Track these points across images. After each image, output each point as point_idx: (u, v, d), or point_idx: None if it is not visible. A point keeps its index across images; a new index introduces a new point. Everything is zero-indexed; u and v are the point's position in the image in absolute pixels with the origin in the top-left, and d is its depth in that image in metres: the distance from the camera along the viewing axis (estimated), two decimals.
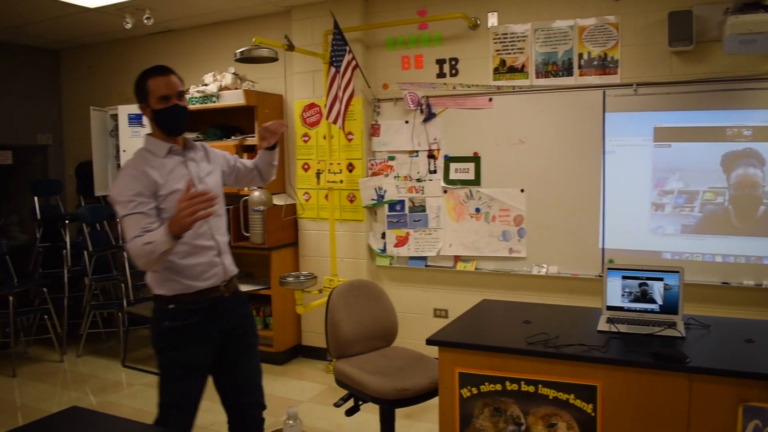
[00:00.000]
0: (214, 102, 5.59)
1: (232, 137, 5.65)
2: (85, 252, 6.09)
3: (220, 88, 5.60)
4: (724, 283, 4.27)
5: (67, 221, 6.36)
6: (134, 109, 6.20)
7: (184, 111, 2.61)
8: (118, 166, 6.49)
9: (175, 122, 2.59)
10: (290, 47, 4.82)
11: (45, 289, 5.93)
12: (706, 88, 4.24)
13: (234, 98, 5.47)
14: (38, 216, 6.44)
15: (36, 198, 6.48)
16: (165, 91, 2.53)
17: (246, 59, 4.58)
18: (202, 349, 2.64)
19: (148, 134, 2.65)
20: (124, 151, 6.26)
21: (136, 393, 4.89)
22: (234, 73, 5.66)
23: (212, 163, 2.80)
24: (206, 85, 5.70)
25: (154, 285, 2.62)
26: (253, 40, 4.49)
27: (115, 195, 2.48)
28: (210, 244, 2.63)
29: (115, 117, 6.44)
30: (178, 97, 2.57)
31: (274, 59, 4.64)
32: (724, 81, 4.18)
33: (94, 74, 7.03)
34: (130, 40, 6.65)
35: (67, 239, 6.28)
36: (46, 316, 5.86)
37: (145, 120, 2.66)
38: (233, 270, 2.77)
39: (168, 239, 2.32)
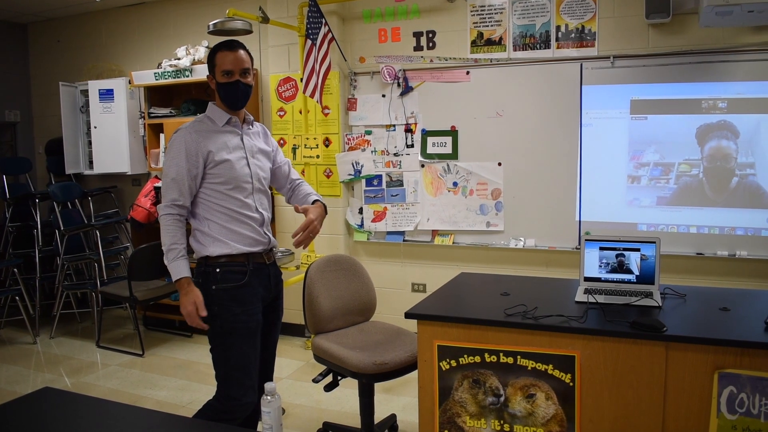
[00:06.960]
0: (188, 77, 5.49)
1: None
2: (57, 231, 5.97)
3: (194, 62, 5.50)
4: (698, 253, 4.32)
5: (37, 200, 6.23)
6: (105, 84, 6.08)
7: (246, 88, 2.73)
8: (89, 143, 6.37)
9: (235, 98, 2.71)
10: (265, 20, 4.74)
11: (16, 270, 5.82)
12: (682, 60, 4.24)
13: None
14: (7, 195, 6.30)
15: (5, 177, 6.33)
16: (229, 66, 2.66)
17: (219, 32, 4.47)
18: (252, 310, 2.71)
19: (212, 102, 2.79)
20: (95, 127, 6.14)
21: (112, 373, 4.83)
22: (207, 47, 5.55)
23: (267, 145, 2.93)
24: (179, 59, 5.59)
25: (200, 248, 2.71)
26: (227, 12, 4.40)
27: (166, 154, 2.69)
28: (255, 216, 2.77)
29: (85, 93, 6.31)
30: (241, 74, 2.69)
31: (249, 32, 4.54)
32: (700, 53, 4.19)
33: (63, 49, 6.85)
34: (101, 13, 6.49)
35: (38, 218, 6.16)
36: (17, 298, 5.74)
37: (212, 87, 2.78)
38: (274, 242, 2.90)
39: (173, 275, 2.59)
